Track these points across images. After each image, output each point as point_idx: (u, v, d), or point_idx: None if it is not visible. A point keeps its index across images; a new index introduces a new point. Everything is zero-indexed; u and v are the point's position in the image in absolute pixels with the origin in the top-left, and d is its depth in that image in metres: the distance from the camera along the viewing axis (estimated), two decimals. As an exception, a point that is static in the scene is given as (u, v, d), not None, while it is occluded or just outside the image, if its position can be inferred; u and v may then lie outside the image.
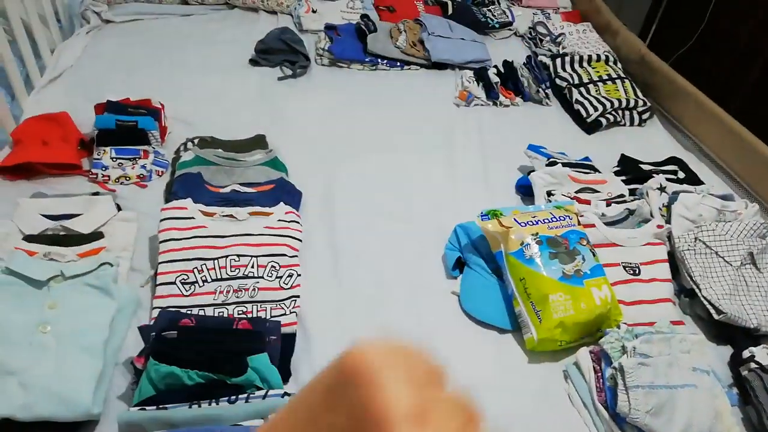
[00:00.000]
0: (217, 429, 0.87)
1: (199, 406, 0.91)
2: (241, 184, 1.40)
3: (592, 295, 1.16)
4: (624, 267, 1.31)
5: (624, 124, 1.94)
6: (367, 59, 2.04)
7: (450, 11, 2.35)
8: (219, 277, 1.18)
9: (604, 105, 1.89)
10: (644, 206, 1.42)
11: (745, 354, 1.16)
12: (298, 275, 1.23)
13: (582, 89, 1.97)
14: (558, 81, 2.03)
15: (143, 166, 1.45)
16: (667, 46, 2.62)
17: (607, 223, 1.37)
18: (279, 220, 1.31)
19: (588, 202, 1.43)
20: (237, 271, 1.19)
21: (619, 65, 2.13)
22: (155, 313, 1.10)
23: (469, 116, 1.89)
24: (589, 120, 1.87)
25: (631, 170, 1.65)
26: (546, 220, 1.26)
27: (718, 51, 2.54)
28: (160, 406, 0.90)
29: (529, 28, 2.37)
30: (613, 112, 1.91)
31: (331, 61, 2.03)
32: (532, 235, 1.22)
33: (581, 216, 1.33)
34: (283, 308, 1.17)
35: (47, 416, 0.91)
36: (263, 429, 0.27)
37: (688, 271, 1.31)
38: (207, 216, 1.27)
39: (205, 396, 0.93)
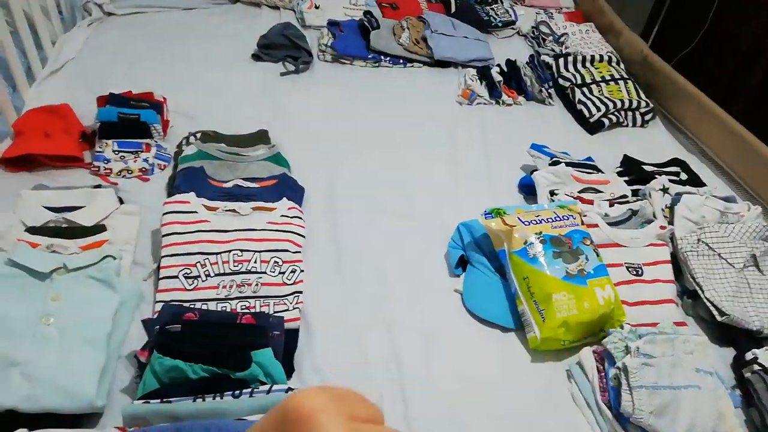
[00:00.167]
0: (222, 423, 0.86)
1: (203, 400, 0.90)
2: (243, 179, 1.39)
3: (595, 294, 1.16)
4: (627, 267, 1.31)
5: (626, 125, 1.95)
6: (369, 56, 2.04)
7: (453, 9, 2.35)
8: (222, 271, 1.17)
9: (606, 105, 1.89)
10: (647, 207, 1.42)
11: (748, 356, 1.16)
12: (301, 271, 1.23)
13: (585, 89, 1.97)
14: (561, 81, 2.03)
15: (145, 160, 1.44)
16: (669, 47, 2.62)
17: (610, 224, 1.37)
18: (282, 216, 1.31)
19: (591, 202, 1.43)
20: (240, 266, 1.19)
21: (622, 66, 2.13)
22: (158, 306, 1.10)
23: (471, 115, 1.88)
24: (591, 120, 1.87)
25: (633, 171, 1.65)
26: (549, 219, 1.26)
27: (721, 52, 2.55)
28: (165, 400, 0.90)
29: (532, 27, 2.37)
30: (616, 113, 1.91)
31: (334, 58, 2.02)
32: (536, 234, 1.22)
33: (584, 216, 1.33)
34: (286, 304, 1.17)
35: (51, 408, 0.90)
36: None
37: (690, 272, 1.32)
38: (210, 210, 1.26)
39: (209, 390, 0.92)
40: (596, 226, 1.34)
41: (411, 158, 1.65)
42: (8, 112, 1.51)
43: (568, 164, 1.56)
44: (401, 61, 2.06)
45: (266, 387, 0.94)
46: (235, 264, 1.18)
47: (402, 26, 2.11)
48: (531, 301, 1.17)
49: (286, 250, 1.24)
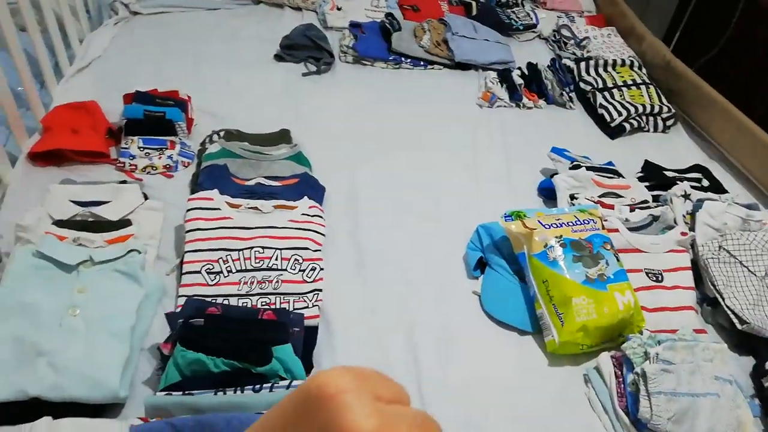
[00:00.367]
0: (243, 416, 0.88)
1: (224, 394, 0.92)
2: (266, 178, 1.41)
3: (615, 299, 1.16)
4: (647, 273, 1.31)
5: (648, 130, 1.94)
6: (390, 57, 2.05)
7: (474, 12, 2.35)
8: (243, 268, 1.19)
9: (628, 110, 1.88)
10: (668, 213, 1.42)
11: (768, 364, 1.15)
12: (321, 269, 1.24)
13: (606, 93, 1.96)
14: (582, 84, 2.03)
15: (170, 157, 1.46)
16: (691, 52, 2.60)
17: (631, 229, 1.37)
18: (303, 214, 1.32)
19: (611, 207, 1.43)
20: (261, 262, 1.20)
21: (644, 70, 2.12)
22: (180, 301, 1.12)
23: (492, 117, 1.89)
24: (612, 124, 1.87)
25: (654, 176, 1.64)
26: (570, 223, 1.26)
27: (744, 58, 2.52)
28: (186, 392, 0.91)
29: (553, 31, 2.37)
30: (637, 118, 1.90)
31: (355, 59, 2.04)
32: (556, 237, 1.22)
33: (605, 220, 1.33)
34: (305, 301, 1.18)
35: (76, 397, 0.92)
36: None
37: (711, 279, 1.31)
38: (233, 207, 1.28)
39: (230, 384, 0.94)
40: (617, 230, 1.33)
41: (430, 160, 1.66)
42: (37, 108, 1.55)
43: (588, 168, 1.55)
44: (422, 63, 2.07)
45: (286, 382, 0.96)
46: (257, 261, 1.20)
47: (423, 28, 2.12)
48: (550, 305, 1.17)
49: (307, 248, 1.25)
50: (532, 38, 2.39)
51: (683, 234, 1.35)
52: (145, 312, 1.09)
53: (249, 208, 1.29)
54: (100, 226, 1.21)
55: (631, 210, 1.43)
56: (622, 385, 1.08)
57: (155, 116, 1.50)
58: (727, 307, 1.25)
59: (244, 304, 1.14)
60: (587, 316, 1.13)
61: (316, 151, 1.57)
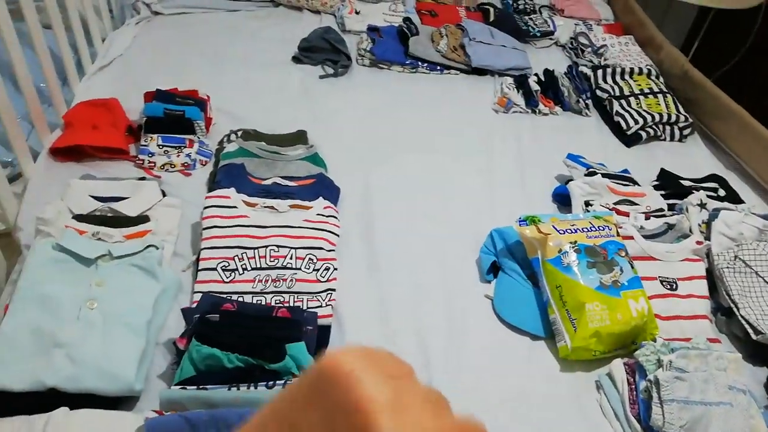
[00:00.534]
0: (255, 411, 0.89)
1: (238, 389, 0.93)
2: (282, 177, 1.42)
3: (629, 306, 1.16)
4: (661, 281, 1.30)
5: (664, 139, 1.93)
6: (407, 62, 2.06)
7: (492, 18, 2.36)
8: (258, 266, 1.20)
9: (644, 118, 1.88)
10: (684, 221, 1.41)
11: (783, 376, 1.14)
12: (335, 269, 1.25)
13: (623, 101, 1.96)
14: (599, 92, 2.02)
15: (188, 155, 1.48)
16: (710, 63, 2.59)
17: (646, 237, 1.36)
18: (318, 214, 1.33)
19: (627, 214, 1.43)
20: (276, 261, 1.21)
21: (661, 79, 2.11)
22: (196, 297, 1.13)
23: (507, 123, 1.89)
24: (629, 132, 1.86)
25: (670, 185, 1.63)
26: (585, 229, 1.26)
27: (763, 69, 2.50)
28: (201, 387, 0.93)
29: (571, 38, 2.37)
30: (654, 126, 1.89)
31: (372, 62, 2.05)
32: (571, 243, 1.22)
33: (620, 227, 1.33)
34: (319, 300, 1.19)
35: (92, 389, 0.93)
36: (246, 429, 0.29)
37: (726, 289, 1.30)
38: (249, 206, 1.29)
39: (244, 379, 0.95)
40: (631, 238, 1.33)
41: (445, 164, 1.67)
42: (59, 104, 1.57)
43: (604, 175, 1.55)
44: (438, 67, 2.08)
45: (299, 380, 0.96)
46: (272, 259, 1.21)
47: (440, 33, 2.13)
48: (563, 310, 1.17)
49: (321, 248, 1.26)
50: (549, 45, 2.39)
51: (698, 243, 1.35)
52: (161, 307, 1.10)
53: (265, 207, 1.30)
54: (118, 221, 1.23)
55: (647, 218, 1.43)
56: (635, 392, 1.08)
57: (175, 115, 1.52)
58: (742, 317, 1.25)
59: (259, 302, 1.15)
60: (600, 322, 1.13)
61: (331, 153, 1.58)
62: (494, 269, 1.34)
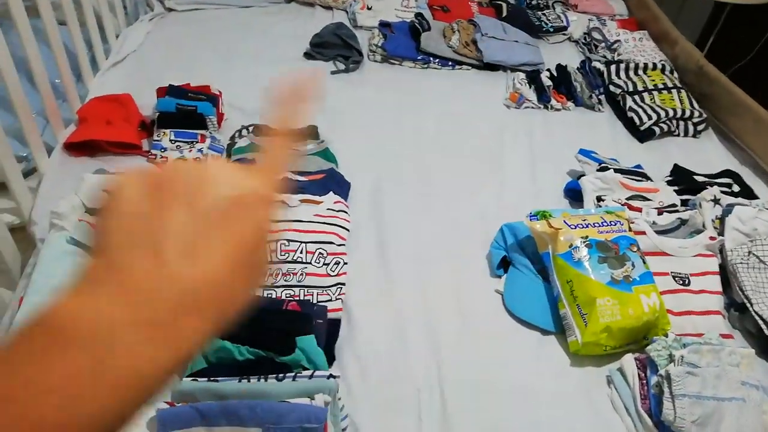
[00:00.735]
0: (266, 404, 0.89)
1: (248, 381, 0.94)
2: (292, 172, 1.43)
3: (640, 301, 1.15)
4: (673, 277, 1.30)
5: (678, 135, 1.91)
6: (419, 57, 2.06)
7: (504, 13, 2.35)
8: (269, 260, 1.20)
9: (658, 114, 1.86)
10: (697, 217, 1.40)
11: (797, 372, 1.13)
12: (345, 263, 1.25)
13: (636, 97, 1.95)
14: (612, 87, 2.01)
15: (200, 150, 1.49)
16: (725, 58, 2.56)
17: (658, 232, 1.35)
18: (328, 209, 1.33)
19: (639, 210, 1.42)
20: (286, 255, 1.22)
21: (676, 75, 2.09)
22: (208, 290, 1.14)
23: (519, 118, 1.88)
24: (642, 128, 1.85)
25: (684, 181, 1.62)
26: (596, 224, 1.25)
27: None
28: (212, 378, 0.93)
29: (584, 33, 2.35)
30: (668, 122, 1.88)
31: (384, 58, 2.05)
32: (582, 238, 1.22)
33: (632, 223, 1.32)
34: (329, 294, 1.19)
35: (105, 380, 0.94)
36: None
37: (739, 284, 1.29)
38: (260, 200, 1.30)
39: (254, 372, 0.95)
40: (643, 233, 1.32)
41: (457, 159, 1.66)
42: (73, 100, 1.59)
43: (616, 170, 1.54)
44: (450, 63, 2.07)
45: (308, 372, 0.97)
46: (282, 253, 1.22)
47: (452, 29, 2.13)
48: (574, 305, 1.17)
49: (331, 243, 1.27)
50: (562, 40, 2.38)
51: (712, 238, 1.33)
52: (173, 299, 1.11)
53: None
54: (131, 215, 1.24)
55: (659, 213, 1.41)
56: (646, 387, 1.07)
57: (187, 110, 1.53)
58: (756, 312, 1.23)
59: (269, 296, 1.16)
60: (611, 317, 1.12)
61: (342, 148, 1.58)
62: (504, 264, 1.34)
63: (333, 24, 2.09)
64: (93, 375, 0.25)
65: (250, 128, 1.58)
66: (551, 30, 2.34)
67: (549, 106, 1.93)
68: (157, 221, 0.28)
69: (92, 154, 1.47)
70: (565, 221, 1.25)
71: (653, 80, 2.02)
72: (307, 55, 2.01)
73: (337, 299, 1.19)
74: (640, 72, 2.05)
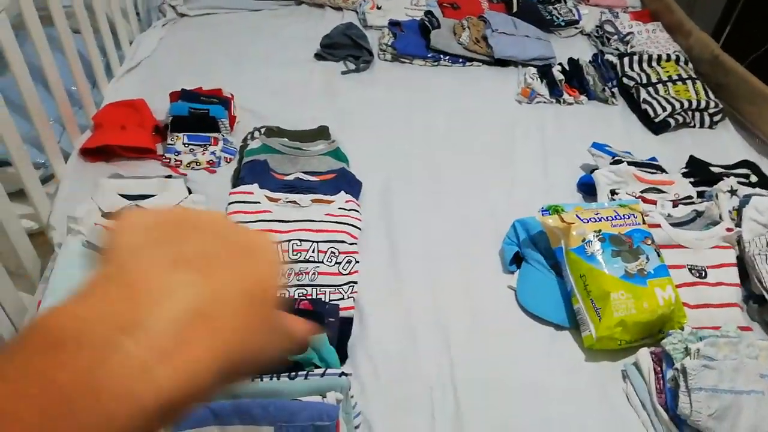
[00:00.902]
0: (278, 402, 0.90)
1: (261, 380, 0.95)
2: (304, 173, 1.44)
3: (655, 295, 1.14)
4: (690, 269, 1.28)
5: (693, 126, 1.88)
6: (429, 55, 2.05)
7: (515, 9, 2.33)
8: (281, 259, 1.21)
9: (673, 105, 1.84)
10: (713, 208, 1.38)
11: (818, 364, 1.11)
12: (357, 262, 1.26)
13: (650, 89, 1.92)
14: (625, 80, 1.99)
15: (213, 153, 1.51)
16: (741, 48, 2.51)
17: (674, 224, 1.34)
18: (339, 208, 1.34)
19: (654, 203, 1.40)
20: (298, 255, 1.23)
21: (690, 65, 2.06)
22: (221, 291, 1.15)
23: (531, 113, 1.87)
24: (657, 120, 1.82)
25: (700, 172, 1.60)
26: (609, 218, 1.24)
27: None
28: (225, 377, 0.94)
29: (596, 26, 2.33)
30: (683, 113, 1.85)
31: (394, 57, 2.05)
32: (595, 232, 1.21)
33: (647, 216, 1.30)
34: (341, 293, 1.20)
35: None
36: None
37: (758, 276, 1.27)
38: (272, 201, 1.31)
39: (266, 371, 0.96)
40: (658, 226, 1.30)
41: (468, 156, 1.66)
42: (89, 106, 1.62)
43: (630, 163, 1.52)
44: (460, 60, 2.07)
45: (320, 371, 0.97)
46: (294, 253, 1.22)
47: (462, 25, 2.12)
48: (587, 300, 1.16)
49: (343, 242, 1.27)
50: (574, 34, 2.36)
51: (729, 230, 1.31)
52: (187, 300, 1.12)
53: (288, 201, 1.31)
54: (145, 218, 1.26)
55: (675, 205, 1.40)
56: (662, 381, 1.06)
57: (199, 114, 1.55)
58: (775, 305, 1.21)
59: (281, 295, 1.17)
60: (626, 311, 1.11)
61: (353, 148, 1.59)
62: (517, 260, 1.33)
63: (343, 24, 2.10)
64: (79, 384, 0.22)
65: (262, 130, 1.59)
66: (563, 24, 2.33)
67: (561, 101, 1.92)
68: (168, 240, 0.28)
69: (108, 159, 1.49)
70: (577, 215, 1.24)
71: (667, 72, 2.00)
72: (318, 56, 2.01)
73: (349, 297, 1.20)
74: (654, 64, 2.03)
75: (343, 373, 0.97)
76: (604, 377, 1.14)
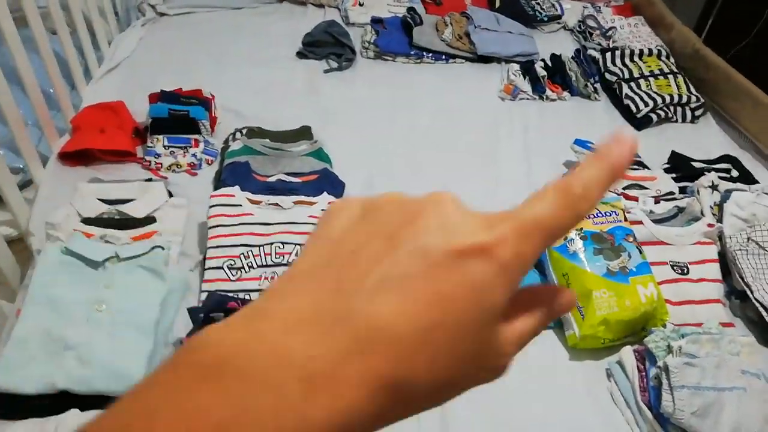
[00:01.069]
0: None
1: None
2: (286, 174, 1.43)
3: (637, 292, 1.14)
4: (672, 266, 1.29)
5: (675, 121, 1.89)
6: (412, 52, 2.04)
7: (497, 4, 2.33)
8: (264, 263, 1.21)
9: (655, 100, 1.85)
10: (694, 204, 1.39)
11: (799, 359, 1.12)
12: (341, 264, 1.25)
13: (632, 84, 1.93)
14: (607, 75, 1.99)
15: (194, 155, 1.49)
16: (724, 42, 2.53)
17: (655, 221, 1.35)
18: (322, 210, 1.33)
19: (635, 199, 1.41)
20: (281, 258, 1.22)
21: (672, 60, 2.07)
22: (203, 296, 1.14)
23: (514, 110, 1.87)
24: (639, 115, 1.83)
25: (681, 167, 1.61)
26: (591, 216, 1.25)
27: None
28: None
29: (579, 21, 2.33)
30: (665, 108, 1.86)
31: (377, 54, 2.04)
32: (576, 230, 1.21)
33: (628, 212, 1.31)
34: (325, 296, 1.19)
35: (101, 390, 0.95)
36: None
37: (739, 272, 1.28)
38: (254, 204, 1.30)
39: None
40: (640, 223, 1.31)
41: (451, 154, 1.66)
42: (67, 109, 1.59)
43: (612, 160, 1.53)
44: (443, 57, 2.06)
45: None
46: (277, 256, 1.21)
47: (445, 22, 2.11)
48: (570, 298, 1.16)
49: (327, 244, 1.26)
50: (557, 29, 2.36)
51: (710, 225, 1.32)
52: (168, 307, 1.11)
53: (270, 204, 1.30)
54: (125, 223, 1.24)
55: (656, 202, 1.40)
56: (645, 380, 1.07)
57: (179, 115, 1.53)
58: (756, 300, 1.22)
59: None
60: (608, 309, 1.12)
61: (337, 147, 1.58)
62: (502, 259, 1.33)
63: (325, 22, 2.09)
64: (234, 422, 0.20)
65: (244, 131, 1.57)
66: (546, 19, 2.33)
67: (544, 97, 1.92)
68: (353, 252, 0.24)
69: (87, 163, 1.47)
70: (560, 214, 1.23)
71: (649, 66, 2.00)
72: (300, 55, 2.00)
73: (333, 300, 1.19)
74: (636, 58, 2.03)
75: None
76: (589, 376, 1.14)
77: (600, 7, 2.41)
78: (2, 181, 1.27)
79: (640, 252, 1.21)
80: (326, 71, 1.94)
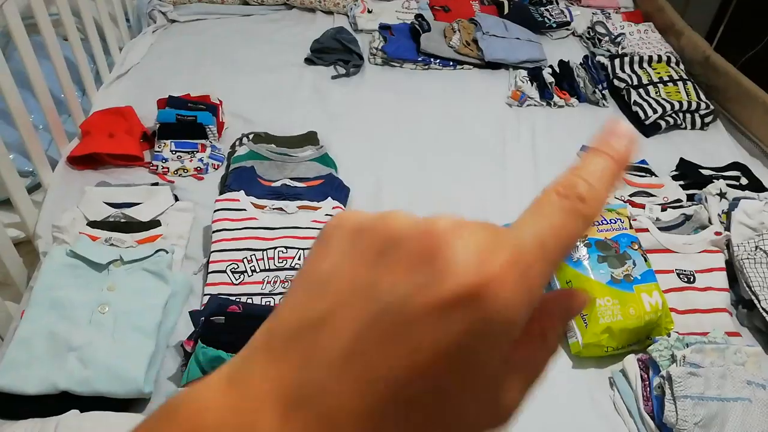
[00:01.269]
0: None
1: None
2: (291, 179, 1.43)
3: (641, 300, 1.13)
4: (678, 274, 1.27)
5: (684, 127, 1.88)
6: (419, 58, 2.05)
7: (506, 11, 2.33)
8: (267, 267, 1.21)
9: (663, 107, 1.83)
10: (702, 212, 1.37)
11: (806, 369, 1.10)
12: (344, 269, 1.25)
13: (641, 90, 1.92)
14: (616, 82, 1.98)
15: (200, 160, 1.50)
16: (736, 49, 2.51)
17: (662, 229, 1.33)
18: (326, 215, 1.33)
19: (642, 206, 1.40)
20: (284, 262, 1.22)
21: (682, 66, 2.05)
22: (206, 299, 1.14)
23: (521, 116, 1.86)
24: (647, 122, 1.82)
25: (690, 175, 1.59)
26: (596, 223, 1.24)
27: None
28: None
29: (588, 28, 2.32)
30: (674, 115, 1.84)
31: (384, 60, 2.05)
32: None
33: (634, 220, 1.30)
34: (328, 301, 1.19)
35: (102, 392, 0.96)
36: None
37: (746, 280, 1.26)
38: (258, 208, 1.30)
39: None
40: (646, 230, 1.30)
41: (458, 161, 1.65)
42: (77, 113, 1.61)
43: (619, 167, 1.52)
44: (451, 63, 2.06)
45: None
46: (280, 260, 1.22)
47: (453, 28, 2.12)
48: (574, 306, 1.15)
49: (330, 249, 1.26)
50: (565, 36, 2.35)
51: (717, 234, 1.31)
52: (171, 310, 1.12)
53: (274, 208, 1.31)
54: (131, 226, 1.25)
55: (663, 209, 1.39)
56: (648, 389, 1.05)
57: (187, 120, 1.54)
58: (763, 309, 1.21)
59: (268, 303, 1.17)
60: (612, 317, 1.11)
61: (343, 153, 1.58)
62: (505, 265, 1.32)
63: (333, 29, 2.10)
64: None
65: (250, 136, 1.58)
66: (554, 26, 2.32)
67: (552, 103, 1.91)
68: (331, 313, 0.21)
69: (95, 167, 1.48)
70: (564, 221, 1.23)
71: (658, 73, 1.99)
72: (308, 61, 2.01)
73: (335, 305, 1.19)
74: (645, 65, 2.02)
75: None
76: (591, 384, 1.13)
77: (610, 14, 2.40)
78: (11, 184, 1.29)
79: (645, 260, 1.20)
80: (334, 77, 1.95)
